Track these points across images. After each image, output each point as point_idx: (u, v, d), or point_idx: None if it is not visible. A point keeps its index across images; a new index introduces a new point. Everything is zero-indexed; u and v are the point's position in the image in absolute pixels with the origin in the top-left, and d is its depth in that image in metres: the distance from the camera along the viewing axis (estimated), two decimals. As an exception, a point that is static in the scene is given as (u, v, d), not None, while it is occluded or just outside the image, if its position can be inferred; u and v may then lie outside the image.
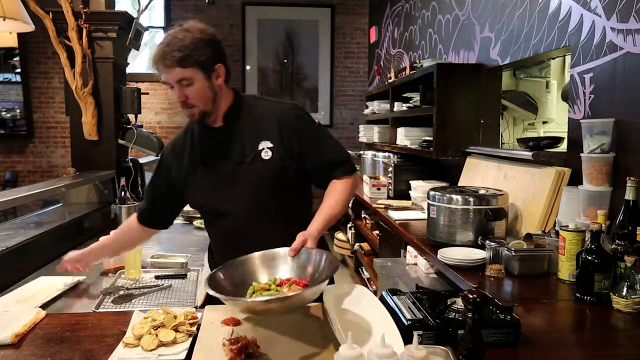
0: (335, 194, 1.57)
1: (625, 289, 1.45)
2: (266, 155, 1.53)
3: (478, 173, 2.92)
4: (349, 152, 1.70)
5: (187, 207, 1.91)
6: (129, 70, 3.72)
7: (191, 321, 1.28)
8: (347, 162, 1.61)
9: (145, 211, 1.74)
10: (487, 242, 1.85)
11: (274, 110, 1.59)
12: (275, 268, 1.40)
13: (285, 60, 6.91)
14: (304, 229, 1.46)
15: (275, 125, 1.55)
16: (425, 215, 2.47)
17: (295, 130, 1.55)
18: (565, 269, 1.70)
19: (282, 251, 1.41)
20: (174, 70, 1.44)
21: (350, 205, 4.53)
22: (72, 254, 1.73)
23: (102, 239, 1.78)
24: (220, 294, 1.21)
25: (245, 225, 1.55)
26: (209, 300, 1.63)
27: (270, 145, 1.53)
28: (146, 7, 3.53)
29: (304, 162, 1.57)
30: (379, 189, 3.88)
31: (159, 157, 1.76)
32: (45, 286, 1.77)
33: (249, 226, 1.55)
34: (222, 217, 1.61)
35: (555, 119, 3.66)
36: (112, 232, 1.80)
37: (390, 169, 3.85)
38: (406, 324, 1.20)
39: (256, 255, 1.41)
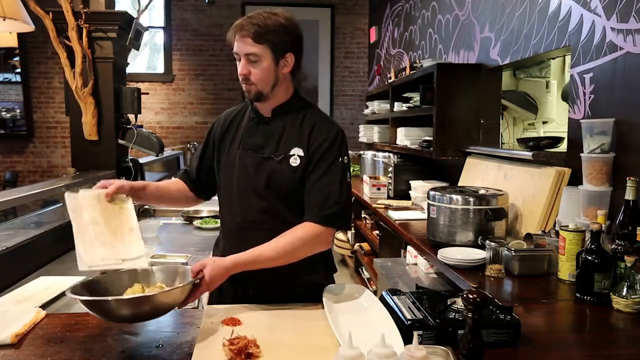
0: (281, 241, 1.44)
1: (625, 289, 1.45)
2: (294, 161, 1.52)
3: (478, 173, 2.92)
4: (344, 205, 1.50)
5: (187, 207, 1.90)
6: (129, 70, 3.72)
7: None
8: (327, 210, 1.47)
9: (188, 170, 1.73)
10: (487, 242, 1.85)
11: (319, 124, 1.55)
12: (148, 281, 1.38)
13: (285, 60, 6.90)
14: None
15: (311, 137, 1.53)
16: (425, 215, 2.47)
17: (316, 150, 1.52)
18: (565, 269, 1.70)
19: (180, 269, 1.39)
20: (246, 42, 1.46)
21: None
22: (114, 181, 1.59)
23: (150, 184, 1.71)
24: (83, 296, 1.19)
25: (257, 219, 1.54)
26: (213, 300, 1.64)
27: (302, 154, 1.52)
28: (146, 7, 3.53)
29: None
30: (379, 189, 3.88)
31: (211, 125, 1.73)
32: (45, 286, 1.77)
33: (260, 221, 1.54)
34: (238, 205, 1.58)
35: (555, 119, 3.66)
36: (158, 183, 1.76)
37: (390, 169, 3.85)
38: (406, 324, 1.20)
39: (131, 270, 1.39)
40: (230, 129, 1.65)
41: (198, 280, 1.31)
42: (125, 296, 1.26)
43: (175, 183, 1.75)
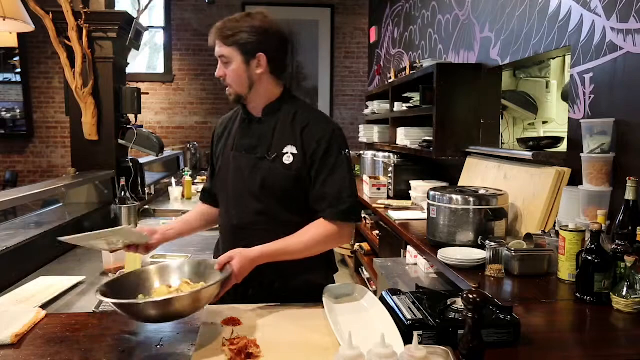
0: (306, 234, 1.47)
1: (625, 289, 1.45)
2: (288, 159, 1.51)
3: (478, 173, 2.92)
4: (356, 198, 1.52)
5: (187, 207, 1.91)
6: (129, 70, 3.72)
7: None
8: (341, 205, 1.48)
9: (207, 190, 1.78)
10: (487, 242, 1.85)
11: (312, 121, 1.55)
12: (170, 277, 1.40)
13: (285, 60, 6.91)
14: None
15: (304, 135, 1.53)
16: (425, 215, 2.47)
17: (315, 147, 1.51)
18: (565, 269, 1.70)
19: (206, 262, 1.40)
20: (217, 44, 1.51)
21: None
22: (158, 228, 1.66)
23: (185, 215, 1.78)
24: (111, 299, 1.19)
25: (254, 220, 1.55)
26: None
27: (295, 152, 1.52)
28: (146, 7, 3.53)
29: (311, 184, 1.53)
30: (379, 189, 3.88)
31: (214, 129, 1.77)
32: (45, 286, 1.77)
33: (257, 222, 1.54)
34: (234, 206, 1.60)
35: (555, 119, 3.66)
36: (188, 214, 1.80)
37: (390, 169, 3.85)
38: (406, 324, 1.20)
39: (157, 266, 1.42)
40: (224, 133, 1.68)
41: (229, 275, 1.31)
42: (159, 297, 1.24)
43: (199, 209, 1.78)
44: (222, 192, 1.65)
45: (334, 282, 1.65)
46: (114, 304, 1.18)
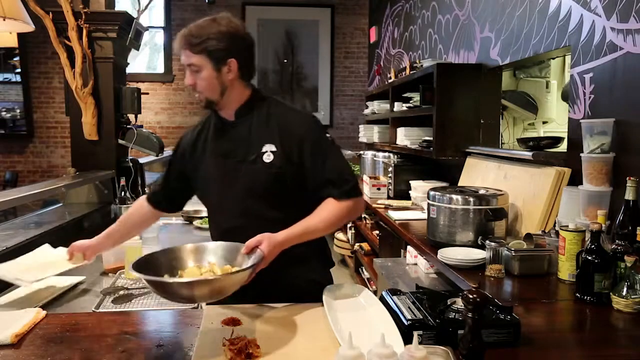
0: (323, 212, 1.50)
1: (625, 289, 1.45)
2: (268, 158, 1.52)
3: (478, 173, 2.92)
4: (354, 174, 1.59)
5: (187, 207, 1.91)
6: (129, 70, 3.72)
7: None
8: (345, 185, 1.52)
9: (157, 193, 1.77)
10: (487, 242, 1.85)
11: (286, 116, 1.57)
12: (203, 259, 1.42)
13: (285, 60, 6.91)
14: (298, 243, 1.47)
15: (282, 131, 1.54)
16: (425, 215, 2.47)
17: (299, 141, 1.52)
18: (565, 269, 1.70)
19: (233, 246, 1.42)
20: (186, 53, 1.48)
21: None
22: (79, 243, 1.73)
23: (109, 228, 1.78)
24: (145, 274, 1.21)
25: (240, 224, 1.54)
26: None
27: (274, 149, 1.52)
28: (146, 7, 3.53)
29: (304, 176, 1.54)
30: (379, 189, 3.88)
31: (178, 140, 1.77)
32: (45, 286, 1.77)
33: (244, 225, 1.54)
34: (219, 212, 1.62)
35: (555, 119, 3.67)
36: (118, 220, 1.81)
37: (390, 169, 3.85)
38: (406, 324, 1.20)
39: (193, 246, 1.44)
40: (198, 141, 1.66)
41: (260, 259, 1.31)
42: (195, 278, 1.27)
43: (132, 215, 1.79)
44: (206, 200, 1.67)
45: (330, 277, 1.68)
46: (149, 280, 1.20)
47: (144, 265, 1.28)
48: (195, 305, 1.62)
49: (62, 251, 1.80)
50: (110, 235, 1.76)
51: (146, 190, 3.55)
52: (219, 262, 1.39)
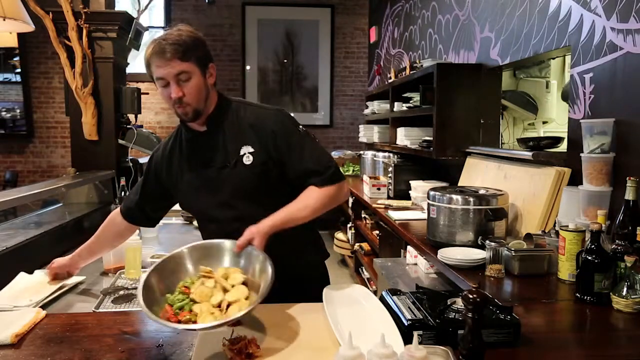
0: (305, 198, 1.51)
1: (625, 289, 1.45)
2: (247, 160, 1.52)
3: (478, 173, 2.92)
4: (332, 160, 1.60)
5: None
6: (129, 70, 3.72)
7: None
8: (326, 172, 1.53)
9: (132, 209, 1.74)
10: (487, 242, 1.85)
11: (255, 114, 1.58)
12: (210, 263, 1.37)
13: (285, 60, 6.91)
14: (290, 234, 1.46)
15: (255, 129, 1.54)
16: (425, 215, 2.47)
17: (272, 136, 1.53)
18: (565, 269, 1.70)
19: (227, 244, 1.39)
20: (173, 63, 1.43)
21: (350, 205, 4.53)
22: (59, 262, 1.75)
23: (84, 245, 1.77)
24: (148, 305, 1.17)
25: (231, 230, 1.51)
26: None
27: (252, 150, 1.53)
28: (146, 7, 3.53)
29: (284, 169, 1.55)
30: (379, 189, 3.88)
31: (148, 160, 1.77)
32: (45, 285, 1.76)
33: (235, 230, 1.50)
34: (209, 221, 1.63)
35: (555, 119, 3.67)
36: (94, 235, 1.79)
37: (390, 169, 3.85)
38: (406, 324, 1.20)
39: (189, 248, 1.40)
40: (172, 156, 1.66)
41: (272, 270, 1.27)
42: (212, 323, 1.16)
43: (110, 226, 1.78)
44: (195, 211, 1.69)
45: (325, 268, 1.71)
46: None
47: (150, 290, 1.24)
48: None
49: (41, 274, 1.81)
50: (89, 251, 1.77)
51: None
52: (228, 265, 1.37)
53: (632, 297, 1.43)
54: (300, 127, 1.59)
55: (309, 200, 1.51)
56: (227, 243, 1.41)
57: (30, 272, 1.97)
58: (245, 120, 1.56)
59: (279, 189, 1.57)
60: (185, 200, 1.68)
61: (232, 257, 1.39)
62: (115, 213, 1.78)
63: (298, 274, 1.57)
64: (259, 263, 1.33)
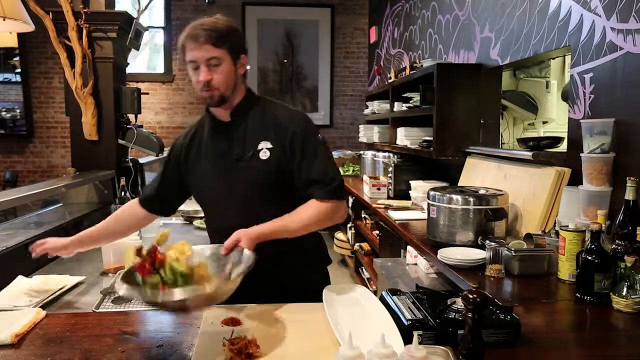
0: (303, 212, 1.51)
1: (625, 289, 1.45)
2: (264, 155, 1.54)
3: (478, 173, 2.92)
4: (339, 176, 1.58)
5: (187, 207, 1.92)
6: (129, 70, 3.72)
7: None
8: (329, 184, 1.53)
9: (151, 197, 1.76)
10: (487, 242, 1.84)
11: (280, 114, 1.60)
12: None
13: (285, 60, 6.91)
14: (292, 240, 1.48)
15: (277, 127, 1.56)
16: (425, 215, 2.47)
17: (291, 137, 1.54)
18: (565, 269, 1.70)
19: (213, 248, 1.39)
20: (206, 47, 1.47)
21: (350, 205, 4.54)
22: (56, 240, 1.69)
23: (80, 235, 1.73)
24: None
25: (239, 222, 1.52)
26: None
27: (270, 146, 1.54)
28: (146, 7, 3.53)
29: (293, 173, 1.56)
30: (379, 189, 3.88)
31: (171, 145, 1.78)
32: (45, 284, 1.77)
33: (242, 224, 1.51)
34: (218, 212, 1.63)
35: (555, 119, 3.67)
36: (104, 221, 1.77)
37: (390, 169, 3.85)
38: (406, 324, 1.20)
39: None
40: (193, 143, 1.68)
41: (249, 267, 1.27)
42: (180, 294, 1.17)
43: (119, 216, 1.77)
44: (204, 201, 1.68)
45: (328, 274, 1.70)
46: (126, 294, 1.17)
47: (133, 274, 1.22)
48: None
49: (40, 278, 1.81)
50: (93, 238, 1.73)
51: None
52: (211, 265, 1.35)
53: (632, 297, 1.43)
54: (319, 136, 1.60)
55: (304, 215, 1.51)
56: (211, 247, 1.41)
57: (30, 272, 1.97)
58: (269, 117, 1.58)
59: (287, 193, 1.56)
60: (197, 186, 1.68)
61: (211, 258, 1.38)
62: (133, 202, 1.80)
63: (298, 279, 1.57)
64: (241, 259, 1.32)
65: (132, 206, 1.79)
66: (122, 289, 1.17)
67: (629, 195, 1.62)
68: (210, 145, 1.63)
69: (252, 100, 1.62)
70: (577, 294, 1.55)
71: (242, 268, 1.28)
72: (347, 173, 5.60)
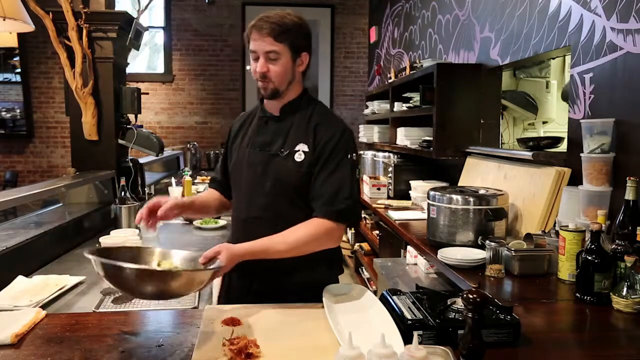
0: (293, 234, 1.47)
1: (625, 289, 1.45)
2: (299, 157, 1.54)
3: (478, 173, 2.92)
4: (351, 201, 1.50)
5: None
6: (129, 70, 3.72)
7: None
8: (335, 206, 1.48)
9: (218, 179, 1.81)
10: (487, 242, 1.85)
11: (323, 121, 1.59)
12: (166, 261, 1.40)
13: (285, 60, 6.90)
14: None
15: (316, 133, 1.55)
16: (425, 215, 2.47)
17: (323, 145, 1.54)
18: (565, 269, 1.70)
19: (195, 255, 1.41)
20: (267, 40, 1.49)
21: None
22: (173, 202, 1.62)
23: (192, 199, 1.78)
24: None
25: (260, 216, 1.57)
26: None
27: (306, 149, 1.54)
28: (146, 7, 3.52)
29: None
30: (379, 189, 3.88)
31: (229, 129, 1.81)
32: (45, 285, 1.77)
33: (263, 217, 1.56)
34: (244, 201, 1.63)
35: (555, 119, 3.66)
36: (200, 194, 1.84)
37: (390, 169, 3.85)
38: (406, 324, 1.20)
39: (161, 250, 1.43)
40: (241, 129, 1.71)
41: (219, 267, 1.31)
42: (158, 268, 1.25)
43: (210, 193, 1.82)
44: (236, 187, 1.68)
45: (337, 282, 1.66)
46: (103, 264, 1.18)
47: (105, 255, 1.25)
48: (196, 305, 1.62)
49: (40, 278, 1.81)
50: (196, 209, 1.75)
51: (146, 190, 3.56)
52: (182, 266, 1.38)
53: (632, 297, 1.43)
54: (352, 155, 1.55)
55: (295, 238, 1.46)
56: (192, 253, 1.42)
57: (30, 272, 1.97)
58: (313, 121, 1.58)
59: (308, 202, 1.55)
60: (232, 172, 1.69)
61: (186, 262, 1.39)
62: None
63: (307, 287, 1.54)
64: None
65: (212, 191, 1.82)
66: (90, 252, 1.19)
67: (629, 195, 1.62)
68: (254, 135, 1.64)
69: (305, 101, 1.62)
70: (577, 294, 1.55)
71: (212, 266, 1.31)
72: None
